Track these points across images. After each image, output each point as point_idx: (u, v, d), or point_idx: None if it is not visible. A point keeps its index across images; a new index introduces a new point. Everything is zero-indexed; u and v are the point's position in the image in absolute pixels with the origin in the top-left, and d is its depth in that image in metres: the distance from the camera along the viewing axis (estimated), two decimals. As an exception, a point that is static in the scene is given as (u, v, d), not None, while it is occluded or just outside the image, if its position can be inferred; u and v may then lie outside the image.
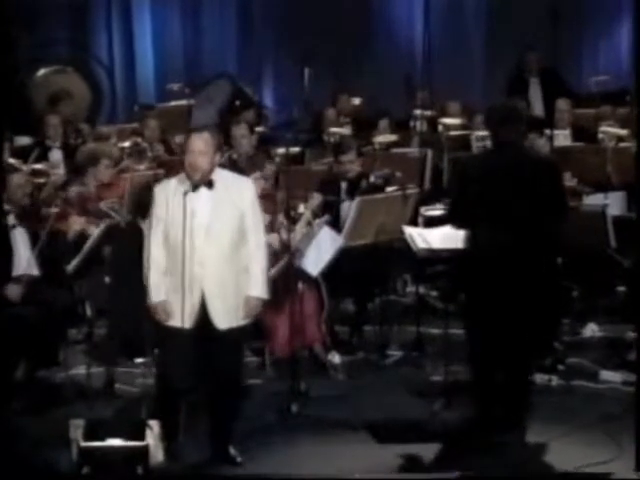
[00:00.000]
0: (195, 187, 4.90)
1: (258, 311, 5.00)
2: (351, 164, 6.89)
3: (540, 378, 5.89)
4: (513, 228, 5.07)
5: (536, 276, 5.14)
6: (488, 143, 6.61)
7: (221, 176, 4.98)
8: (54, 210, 6.20)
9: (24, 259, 5.78)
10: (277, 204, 6.35)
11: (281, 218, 6.33)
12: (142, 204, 5.85)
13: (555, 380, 5.96)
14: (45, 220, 6.11)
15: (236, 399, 5.08)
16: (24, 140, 8.44)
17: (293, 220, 6.26)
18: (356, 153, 6.95)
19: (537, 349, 5.84)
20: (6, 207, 5.92)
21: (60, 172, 7.80)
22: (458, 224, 5.30)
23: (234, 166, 6.82)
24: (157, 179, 6.63)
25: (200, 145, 4.88)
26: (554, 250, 5.43)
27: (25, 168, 7.22)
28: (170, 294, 4.89)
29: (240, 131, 7.48)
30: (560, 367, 6.10)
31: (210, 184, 4.92)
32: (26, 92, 9.61)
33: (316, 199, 6.56)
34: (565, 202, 5.26)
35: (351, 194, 6.78)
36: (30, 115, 8.99)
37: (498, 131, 5.17)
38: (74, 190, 6.83)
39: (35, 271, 5.81)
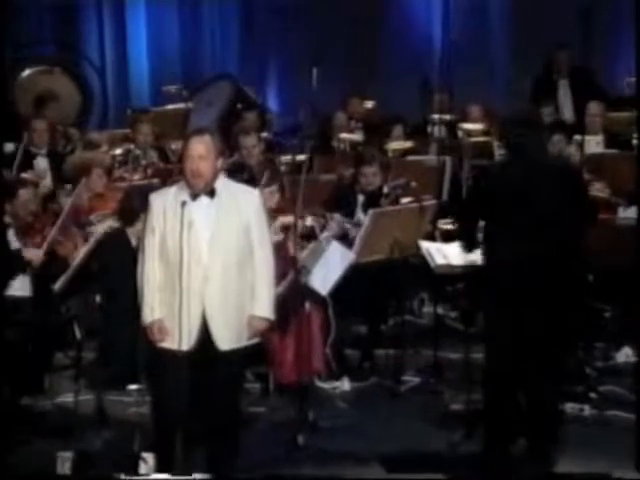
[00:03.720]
0: (195, 196, 4.93)
1: (263, 332, 5.02)
2: (374, 177, 6.93)
3: (571, 407, 5.89)
4: (535, 242, 5.09)
5: (563, 295, 5.16)
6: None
7: (224, 185, 5.01)
8: (55, 235, 6.24)
9: (18, 279, 5.84)
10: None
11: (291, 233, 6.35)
12: (130, 211, 5.90)
13: (587, 409, 5.97)
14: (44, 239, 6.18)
15: (237, 428, 5.10)
16: (7, 146, 8.49)
17: (301, 234, 6.28)
18: (379, 165, 7.00)
19: (566, 375, 5.86)
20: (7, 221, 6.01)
21: (47, 182, 7.85)
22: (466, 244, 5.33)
23: (241, 173, 6.87)
24: (149, 187, 6.67)
25: (201, 149, 4.90)
26: (583, 266, 5.44)
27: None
28: (166, 313, 4.91)
29: (251, 141, 7.53)
30: (592, 395, 6.11)
31: (212, 193, 4.94)
32: (10, 94, 9.67)
33: (336, 220, 6.55)
34: (592, 209, 5.30)
35: (368, 208, 6.80)
36: (14, 119, 9.04)
37: (515, 140, 5.19)
38: (64, 202, 6.86)
39: (28, 293, 5.86)
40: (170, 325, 4.89)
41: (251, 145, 7.51)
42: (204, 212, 4.91)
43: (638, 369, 5.34)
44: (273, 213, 5.18)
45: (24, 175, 7.54)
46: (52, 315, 6.13)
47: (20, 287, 5.76)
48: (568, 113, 9.41)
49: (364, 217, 6.76)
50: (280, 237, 6.18)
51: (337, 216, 6.62)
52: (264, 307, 4.97)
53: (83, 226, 6.63)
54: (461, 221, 5.47)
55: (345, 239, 6.50)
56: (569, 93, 9.57)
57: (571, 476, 5.02)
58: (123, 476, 4.70)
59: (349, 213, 6.92)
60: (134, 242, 5.73)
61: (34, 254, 5.98)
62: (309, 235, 6.45)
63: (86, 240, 6.29)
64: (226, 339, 4.90)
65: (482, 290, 5.25)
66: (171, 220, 4.89)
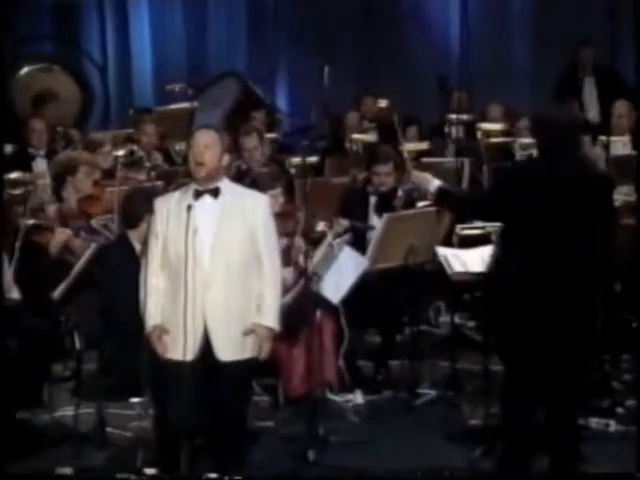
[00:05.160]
0: (198, 195, 4.96)
1: (268, 343, 5.03)
2: (387, 176, 6.94)
3: (596, 423, 5.89)
4: (559, 248, 5.08)
5: (588, 304, 5.15)
6: (534, 152, 6.63)
7: (230, 187, 5.06)
8: (30, 221, 6.22)
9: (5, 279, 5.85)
10: (298, 224, 6.38)
11: (297, 239, 6.37)
12: (132, 214, 5.91)
13: (613, 425, 5.96)
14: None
15: (243, 444, 5.12)
16: (5, 148, 8.50)
17: (311, 240, 6.30)
18: (394, 164, 7.01)
19: (591, 389, 5.85)
20: None
21: (46, 185, 7.86)
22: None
23: (245, 179, 6.88)
24: (152, 189, 6.68)
25: (206, 139, 4.98)
26: (609, 274, 5.43)
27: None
28: (169, 321, 4.94)
29: (252, 142, 7.55)
30: (619, 410, 6.10)
31: (216, 192, 4.98)
32: (7, 93, 9.71)
33: (340, 226, 6.59)
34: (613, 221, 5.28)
35: (381, 211, 6.81)
36: (11, 119, 9.07)
37: (548, 141, 5.16)
38: (52, 207, 6.87)
39: (15, 294, 5.86)
40: (173, 334, 4.93)
41: (252, 147, 7.54)
42: (208, 214, 4.95)
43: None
44: (277, 218, 5.18)
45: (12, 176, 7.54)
46: (51, 324, 6.15)
47: (6, 289, 5.75)
48: (593, 112, 9.39)
49: (377, 220, 6.77)
50: (287, 242, 6.20)
51: (341, 221, 6.63)
52: (271, 317, 4.99)
53: (73, 229, 6.61)
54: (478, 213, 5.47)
55: (356, 243, 6.50)
56: (595, 91, 9.55)
57: (593, 476, 5.00)
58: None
59: (361, 216, 6.92)
60: (137, 247, 5.74)
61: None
62: (320, 241, 6.46)
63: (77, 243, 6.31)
64: (227, 350, 4.93)
65: (500, 298, 5.24)
66: (174, 225, 4.94)
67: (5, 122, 8.57)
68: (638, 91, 7.26)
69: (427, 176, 5.36)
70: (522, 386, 5.16)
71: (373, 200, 6.99)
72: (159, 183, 7.51)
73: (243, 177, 7.01)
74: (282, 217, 5.72)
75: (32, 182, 7.35)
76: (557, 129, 5.12)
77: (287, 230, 6.12)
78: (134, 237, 5.82)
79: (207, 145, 4.96)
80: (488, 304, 6.11)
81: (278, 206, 6.11)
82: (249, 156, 7.54)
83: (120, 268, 5.65)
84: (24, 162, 8.15)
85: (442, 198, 5.34)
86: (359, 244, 6.57)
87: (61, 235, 6.38)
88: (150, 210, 5.65)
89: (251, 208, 5.00)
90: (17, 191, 7.16)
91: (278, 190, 6.41)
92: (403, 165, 7.42)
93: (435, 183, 5.31)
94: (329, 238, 6.38)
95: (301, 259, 6.19)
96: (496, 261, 5.32)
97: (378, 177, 6.96)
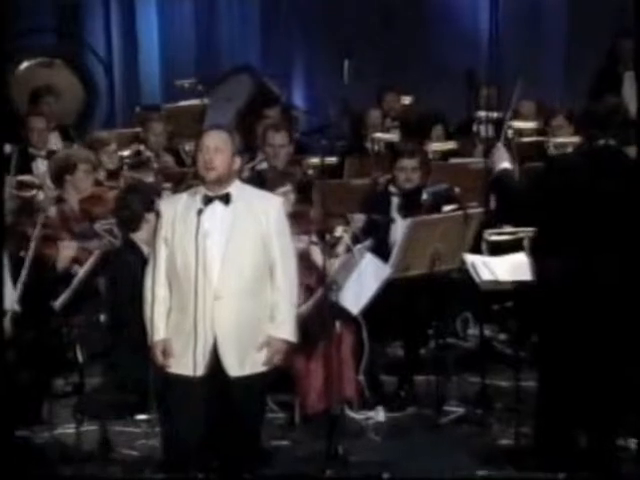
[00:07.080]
0: (208, 201, 4.97)
1: (282, 357, 5.04)
2: (414, 172, 6.94)
3: (635, 444, 5.86)
4: (602, 254, 5.06)
5: (632, 314, 5.13)
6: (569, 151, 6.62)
7: (242, 190, 5.07)
8: (37, 231, 6.25)
9: (6, 291, 5.87)
10: (312, 224, 6.38)
11: (314, 241, 6.36)
12: (129, 217, 5.91)
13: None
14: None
15: (257, 463, 5.13)
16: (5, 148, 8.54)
17: (330, 246, 6.30)
18: (420, 161, 7.01)
19: (632, 407, 5.83)
20: None
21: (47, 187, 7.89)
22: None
23: (259, 181, 6.87)
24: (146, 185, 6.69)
25: (217, 141, 4.99)
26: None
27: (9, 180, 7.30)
28: (175, 334, 4.96)
29: (281, 139, 7.46)
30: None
31: (227, 198, 4.99)
32: (5, 89, 9.75)
33: (357, 222, 6.60)
34: None
35: (406, 211, 6.81)
36: (10, 117, 9.11)
37: (596, 136, 5.13)
38: (52, 209, 6.89)
39: (16, 306, 5.89)
40: (181, 348, 4.95)
41: (279, 144, 7.44)
42: (218, 220, 4.96)
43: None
44: (290, 218, 5.19)
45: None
46: (51, 335, 6.17)
47: (8, 301, 5.76)
48: (633, 109, 9.34)
49: (401, 221, 6.76)
50: (304, 245, 6.20)
51: (357, 216, 6.64)
52: (286, 329, 5.00)
53: (75, 234, 6.62)
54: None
55: (379, 249, 6.50)
56: (635, 87, 9.51)
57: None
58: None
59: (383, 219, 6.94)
60: (146, 249, 5.72)
61: None
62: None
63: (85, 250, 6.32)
64: (237, 364, 4.94)
65: (536, 309, 5.23)
66: (180, 231, 4.96)
67: (4, 121, 8.60)
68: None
69: (503, 156, 5.34)
70: (560, 404, 5.14)
71: (396, 201, 7.00)
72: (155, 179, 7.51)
73: (257, 179, 6.97)
74: (295, 217, 5.71)
75: (40, 185, 7.39)
76: (607, 122, 5.09)
77: (301, 231, 6.12)
78: (140, 239, 5.81)
79: (217, 148, 4.98)
80: (526, 314, 6.11)
81: (289, 205, 6.10)
82: (274, 153, 7.40)
83: (129, 275, 5.64)
84: (23, 163, 8.18)
85: (499, 187, 5.32)
86: (381, 250, 6.57)
87: (67, 250, 6.39)
88: (148, 208, 5.67)
89: (264, 211, 5.02)
90: (26, 194, 7.19)
91: (288, 187, 6.40)
92: (428, 164, 7.44)
93: (502, 165, 5.30)
94: (346, 239, 6.35)
95: (318, 262, 6.18)
96: (538, 269, 5.30)
97: (405, 172, 6.96)
